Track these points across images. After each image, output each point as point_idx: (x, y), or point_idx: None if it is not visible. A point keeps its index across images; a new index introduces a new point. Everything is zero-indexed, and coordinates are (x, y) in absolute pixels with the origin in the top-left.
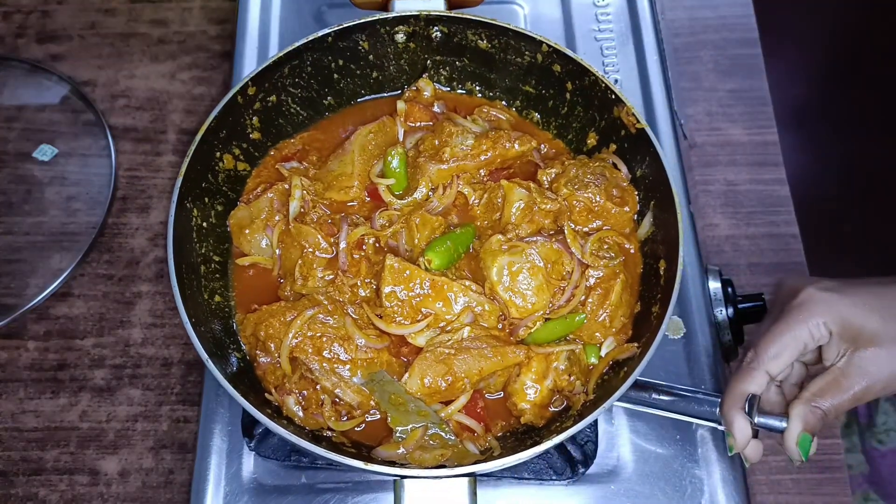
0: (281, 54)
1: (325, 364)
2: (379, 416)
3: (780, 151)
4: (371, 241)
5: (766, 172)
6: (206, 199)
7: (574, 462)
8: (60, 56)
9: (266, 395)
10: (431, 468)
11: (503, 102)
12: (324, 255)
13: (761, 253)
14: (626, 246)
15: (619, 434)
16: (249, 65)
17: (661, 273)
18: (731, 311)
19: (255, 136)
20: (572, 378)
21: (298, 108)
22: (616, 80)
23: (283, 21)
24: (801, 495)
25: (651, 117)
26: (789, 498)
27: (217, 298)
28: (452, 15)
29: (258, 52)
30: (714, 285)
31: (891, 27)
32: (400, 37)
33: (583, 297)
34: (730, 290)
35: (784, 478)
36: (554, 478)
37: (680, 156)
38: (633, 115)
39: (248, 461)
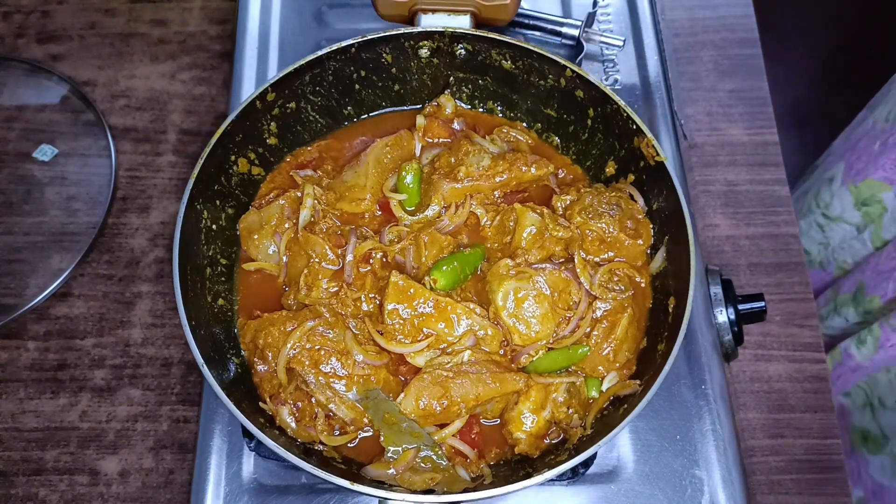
0: (303, 62)
1: (321, 377)
2: (372, 433)
3: (780, 151)
4: (378, 256)
5: (766, 172)
6: (218, 202)
7: None
8: (60, 56)
9: (260, 403)
10: (420, 492)
11: (524, 124)
12: (330, 267)
13: (761, 253)
14: (637, 279)
15: (619, 434)
16: (249, 65)
17: (670, 311)
18: (731, 311)
19: (271, 141)
20: (570, 411)
21: (317, 116)
22: (616, 81)
23: (283, 21)
24: (801, 495)
25: (651, 117)
26: (789, 498)
27: (220, 302)
28: (477, 33)
29: (258, 52)
30: (714, 286)
31: (890, 28)
32: (424, 52)
33: (588, 329)
34: (730, 290)
35: (784, 478)
36: (554, 478)
37: (680, 156)
38: (654, 147)
39: (248, 461)
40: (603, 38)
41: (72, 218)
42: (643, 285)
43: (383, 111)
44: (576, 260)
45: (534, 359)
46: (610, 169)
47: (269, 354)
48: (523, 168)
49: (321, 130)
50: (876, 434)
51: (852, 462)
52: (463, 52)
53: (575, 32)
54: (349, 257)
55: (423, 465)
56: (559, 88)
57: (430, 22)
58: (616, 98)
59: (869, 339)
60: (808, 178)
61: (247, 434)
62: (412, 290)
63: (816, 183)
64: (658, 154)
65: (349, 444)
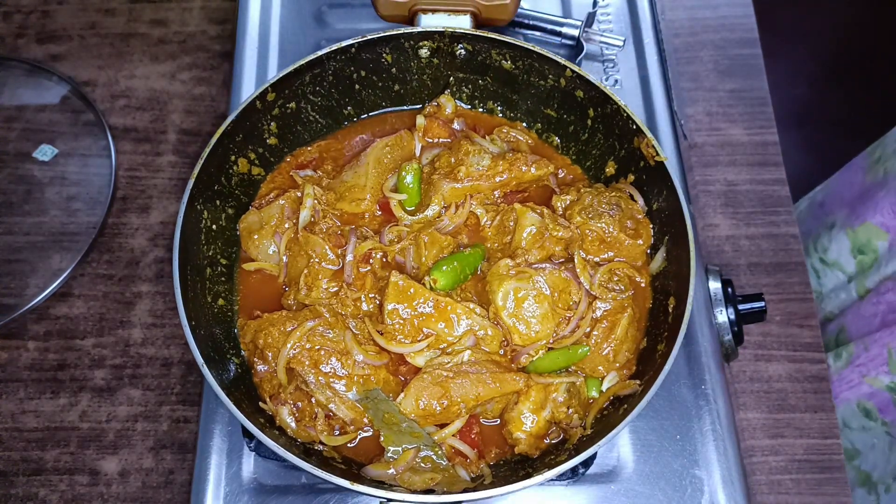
0: (303, 62)
1: (321, 377)
2: (372, 433)
3: (780, 151)
4: (378, 256)
5: (766, 172)
6: (218, 202)
7: None
8: (60, 56)
9: (260, 403)
10: (420, 492)
11: (524, 124)
12: (330, 267)
13: (761, 253)
14: (637, 279)
15: (619, 434)
16: (249, 65)
17: (670, 311)
18: (731, 311)
19: (271, 141)
20: (570, 411)
21: (317, 116)
22: (616, 81)
23: (283, 21)
24: (801, 495)
25: (651, 117)
26: (789, 498)
27: (220, 302)
28: (477, 33)
29: (258, 52)
30: (714, 286)
31: (891, 27)
32: (424, 52)
33: (588, 329)
34: (730, 290)
35: (784, 478)
36: (554, 478)
37: (680, 156)
38: (654, 147)
39: (248, 461)
40: (603, 38)
41: (72, 218)
42: (643, 285)
43: (383, 111)
44: (576, 260)
45: (534, 359)
46: (610, 169)
47: (269, 354)
48: (523, 168)
49: (321, 130)
50: (847, 447)
51: None
52: (463, 52)
53: (575, 32)
54: (349, 257)
55: (423, 465)
56: (559, 88)
57: (430, 22)
58: (616, 98)
59: (844, 354)
60: (804, 219)
61: (247, 434)
62: (412, 290)
63: (817, 227)
64: (658, 154)
65: (349, 444)
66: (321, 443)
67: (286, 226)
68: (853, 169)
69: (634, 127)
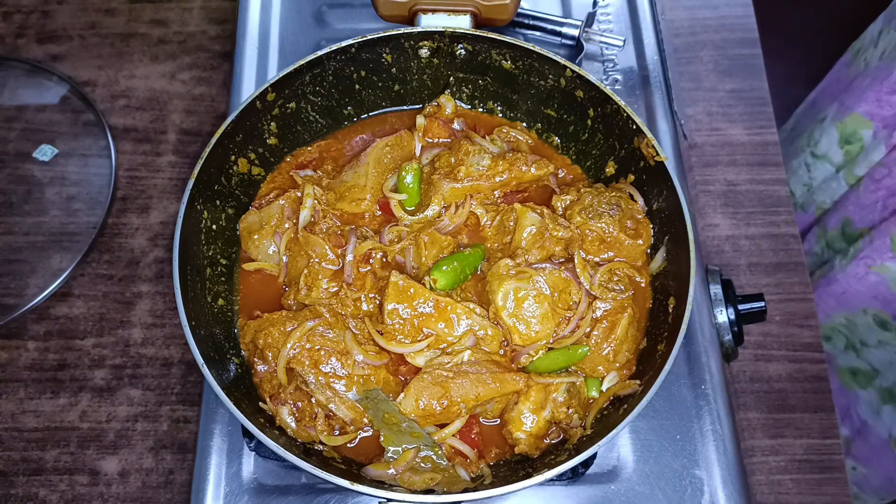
0: (303, 62)
1: (321, 378)
2: (372, 433)
3: (780, 151)
4: (378, 256)
5: (766, 172)
6: (218, 202)
7: None
8: (60, 56)
9: (260, 403)
10: (420, 492)
11: (524, 124)
12: (330, 267)
13: (761, 253)
14: (637, 279)
15: (619, 434)
16: (249, 65)
17: (670, 311)
18: (731, 311)
19: (271, 141)
20: (570, 411)
21: (317, 116)
22: (616, 81)
23: (283, 21)
24: (801, 495)
25: (651, 117)
26: (789, 498)
27: (220, 302)
28: (477, 33)
29: (258, 52)
30: (714, 286)
31: None
32: (424, 52)
33: (588, 329)
34: (730, 290)
35: (784, 478)
36: (554, 478)
37: (680, 156)
38: (654, 147)
39: (248, 461)
40: (603, 38)
41: (72, 218)
42: (643, 285)
43: (383, 111)
44: (576, 260)
45: (534, 359)
46: (610, 169)
47: (269, 354)
48: (523, 168)
49: (321, 130)
50: (865, 369)
51: (843, 400)
52: (463, 52)
53: (575, 32)
54: (349, 257)
55: (423, 465)
56: (559, 89)
57: (430, 22)
58: (616, 98)
59: (851, 251)
60: (799, 120)
61: (247, 434)
62: (412, 290)
63: (810, 124)
64: (658, 154)
65: (349, 444)
66: (321, 443)
67: (286, 226)
68: (839, 66)
69: (634, 127)
